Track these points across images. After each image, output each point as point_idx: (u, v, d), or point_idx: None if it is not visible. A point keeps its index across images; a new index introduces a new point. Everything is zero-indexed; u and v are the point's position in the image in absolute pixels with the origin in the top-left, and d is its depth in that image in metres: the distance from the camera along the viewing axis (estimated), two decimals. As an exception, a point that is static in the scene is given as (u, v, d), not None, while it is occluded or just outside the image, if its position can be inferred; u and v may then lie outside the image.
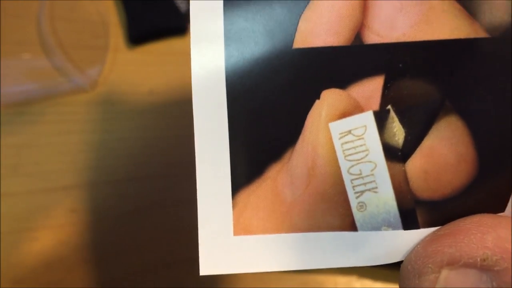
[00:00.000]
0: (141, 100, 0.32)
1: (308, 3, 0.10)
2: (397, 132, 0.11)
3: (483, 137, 0.11)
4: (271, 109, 0.11)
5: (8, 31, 0.31)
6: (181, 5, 0.36)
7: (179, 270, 0.28)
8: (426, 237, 0.11)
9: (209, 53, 0.10)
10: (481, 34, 0.10)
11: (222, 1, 0.10)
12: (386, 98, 0.11)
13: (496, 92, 0.10)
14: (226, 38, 0.10)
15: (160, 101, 0.32)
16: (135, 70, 0.33)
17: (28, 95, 0.30)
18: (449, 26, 0.10)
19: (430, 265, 0.10)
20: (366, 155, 0.11)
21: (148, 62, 0.34)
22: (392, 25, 0.10)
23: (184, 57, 0.35)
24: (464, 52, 0.10)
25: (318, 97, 0.11)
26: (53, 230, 0.27)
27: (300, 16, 0.10)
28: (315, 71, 0.11)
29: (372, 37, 0.10)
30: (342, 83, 0.11)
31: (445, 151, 0.11)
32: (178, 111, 0.32)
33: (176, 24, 0.36)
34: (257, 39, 0.11)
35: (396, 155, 0.11)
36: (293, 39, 0.10)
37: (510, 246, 0.10)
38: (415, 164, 0.11)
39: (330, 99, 0.11)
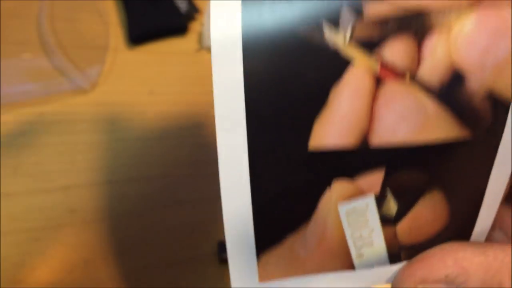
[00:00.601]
0: (141, 100, 0.32)
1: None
2: (392, 207, 0.14)
3: (458, 202, 0.14)
4: (290, 192, 0.13)
5: (8, 31, 0.31)
6: (181, 5, 0.36)
7: (179, 270, 0.28)
8: (404, 265, 0.15)
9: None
10: (467, 134, 0.13)
11: None
12: (385, 184, 0.14)
13: (475, 175, 0.14)
14: None
15: (160, 101, 0.32)
16: (135, 70, 0.33)
17: (28, 95, 0.30)
18: (441, 130, 0.13)
19: (408, 285, 0.14)
20: (366, 223, 0.14)
21: (148, 62, 0.34)
22: (395, 131, 0.13)
23: (184, 57, 0.35)
24: (453, 151, 0.13)
25: (330, 185, 0.13)
26: (53, 230, 0.27)
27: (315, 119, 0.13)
28: (327, 165, 0.13)
29: (377, 140, 0.13)
30: (350, 173, 0.13)
31: (426, 214, 0.14)
32: (178, 111, 0.32)
33: (176, 24, 0.36)
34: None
35: (389, 221, 0.14)
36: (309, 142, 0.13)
37: (466, 265, 0.13)
38: (402, 225, 0.14)
39: (339, 187, 0.13)
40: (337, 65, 0.12)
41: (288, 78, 0.12)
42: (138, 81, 0.33)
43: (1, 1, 0.32)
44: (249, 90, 0.12)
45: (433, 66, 0.12)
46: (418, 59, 0.12)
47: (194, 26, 0.37)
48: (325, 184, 0.13)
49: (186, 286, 0.27)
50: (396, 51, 0.12)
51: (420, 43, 0.12)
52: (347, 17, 0.11)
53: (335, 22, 0.11)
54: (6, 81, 0.29)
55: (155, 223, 0.28)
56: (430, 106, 0.12)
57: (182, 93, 0.33)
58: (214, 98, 0.12)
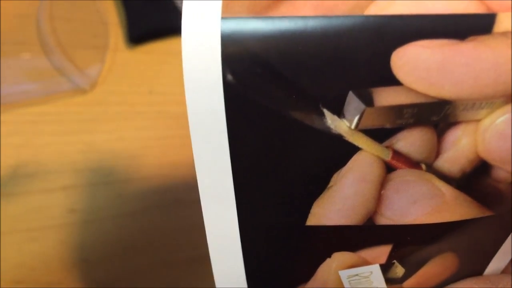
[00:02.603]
0: (141, 100, 0.32)
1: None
2: (398, 272, 0.12)
3: (468, 256, 0.13)
4: (286, 262, 0.12)
5: (8, 31, 0.31)
6: (181, 5, 0.36)
7: (179, 270, 0.28)
8: None
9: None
10: (489, 213, 0.11)
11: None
12: (392, 256, 0.12)
13: (493, 236, 0.12)
14: None
15: (160, 101, 0.32)
16: (135, 70, 0.33)
17: (28, 95, 0.30)
18: (460, 212, 0.11)
19: None
20: (371, 284, 0.13)
21: (148, 62, 0.34)
22: (404, 213, 0.11)
23: (184, 57, 0.35)
24: (470, 224, 0.11)
25: (329, 256, 0.12)
26: (53, 230, 0.27)
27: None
28: (326, 239, 0.12)
29: (384, 220, 0.11)
30: (352, 248, 0.12)
31: (435, 270, 0.12)
32: (178, 111, 0.32)
33: (176, 24, 0.36)
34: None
35: (395, 283, 0.13)
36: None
37: None
38: (410, 282, 0.13)
39: (340, 257, 0.12)
40: (340, 150, 0.10)
41: (282, 158, 0.10)
42: (138, 81, 0.33)
43: (1, 1, 0.32)
44: (237, 170, 0.10)
45: (454, 157, 0.10)
46: (437, 151, 0.10)
47: (194, 26, 0.37)
48: (324, 256, 0.12)
49: (186, 286, 0.27)
50: (411, 142, 0.10)
51: (440, 134, 0.10)
52: (354, 105, 0.10)
53: (338, 109, 0.10)
54: (6, 81, 0.29)
55: (155, 223, 0.28)
56: (449, 191, 0.11)
57: (182, 93, 0.33)
58: (197, 173, 0.11)
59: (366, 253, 0.12)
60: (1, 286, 0.25)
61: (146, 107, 0.32)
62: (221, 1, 0.09)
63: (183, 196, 0.29)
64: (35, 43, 0.31)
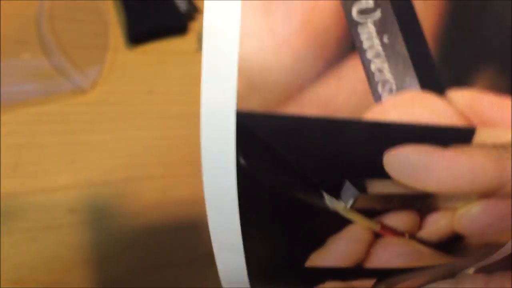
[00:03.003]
0: (141, 100, 0.32)
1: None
2: None
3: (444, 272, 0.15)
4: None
5: (8, 31, 0.31)
6: (181, 5, 0.36)
7: (179, 270, 0.28)
8: None
9: None
10: (459, 260, 0.13)
11: None
12: (378, 285, 0.14)
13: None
14: None
15: (160, 101, 0.32)
16: (135, 70, 0.33)
17: (28, 95, 0.30)
18: (438, 261, 0.13)
19: None
20: None
21: (148, 62, 0.34)
22: (390, 262, 0.13)
23: (184, 57, 0.35)
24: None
25: (323, 284, 0.14)
26: (53, 230, 0.27)
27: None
28: (321, 273, 0.13)
29: (371, 266, 0.13)
30: (343, 279, 0.13)
31: (423, 279, 0.14)
32: (178, 111, 0.32)
33: (176, 24, 0.36)
34: None
35: None
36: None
37: None
38: None
39: (332, 285, 0.13)
40: (336, 222, 0.12)
41: (288, 226, 0.12)
42: (138, 81, 0.33)
43: (1, 1, 0.32)
44: (246, 228, 0.12)
45: (434, 232, 0.12)
46: (419, 227, 0.12)
47: (194, 26, 0.37)
48: (318, 284, 0.14)
49: (186, 286, 0.27)
50: (397, 220, 0.12)
51: (423, 216, 0.12)
52: (349, 191, 0.11)
53: (335, 191, 0.12)
54: (6, 81, 0.29)
55: (154, 223, 0.28)
56: (427, 250, 0.13)
57: (182, 93, 0.33)
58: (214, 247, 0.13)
59: (355, 283, 0.14)
60: (1, 286, 0.25)
61: (146, 107, 0.32)
62: (235, 96, 0.10)
63: (183, 196, 0.29)
64: (35, 43, 0.31)
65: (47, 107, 0.30)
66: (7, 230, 0.26)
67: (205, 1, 0.10)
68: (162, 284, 0.27)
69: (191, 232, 0.28)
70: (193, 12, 0.36)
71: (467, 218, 0.12)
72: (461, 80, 0.10)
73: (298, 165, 0.11)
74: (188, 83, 0.33)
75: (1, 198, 0.27)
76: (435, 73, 0.10)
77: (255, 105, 0.11)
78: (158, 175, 0.30)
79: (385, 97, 0.10)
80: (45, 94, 0.30)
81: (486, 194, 0.11)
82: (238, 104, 0.11)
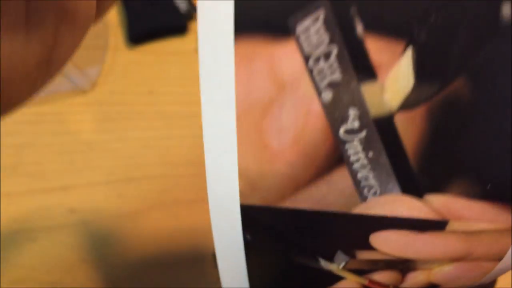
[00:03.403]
0: (141, 100, 0.32)
1: None
2: None
3: None
4: None
5: (8, 31, 0.31)
6: (181, 5, 0.36)
7: (179, 270, 0.28)
8: None
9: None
10: None
11: None
12: None
13: None
14: None
15: (160, 101, 0.32)
16: (135, 70, 0.33)
17: (28, 95, 0.30)
18: None
19: None
20: None
21: (148, 62, 0.34)
22: None
23: (184, 56, 0.35)
24: None
25: None
26: (53, 230, 0.27)
27: None
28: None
29: None
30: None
31: None
32: (178, 111, 0.32)
33: (176, 24, 0.36)
34: None
35: None
36: None
37: None
38: None
39: None
40: (330, 277, 0.14)
41: (289, 281, 0.15)
42: (138, 81, 0.33)
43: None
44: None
45: (413, 283, 0.15)
46: (401, 281, 0.15)
47: (194, 26, 0.37)
48: None
49: (186, 286, 0.27)
50: (382, 277, 0.14)
51: (404, 274, 0.14)
52: (341, 257, 0.14)
53: (330, 258, 0.14)
54: (6, 81, 0.29)
55: (154, 223, 0.28)
56: None
57: (182, 93, 0.33)
58: None
59: None
60: (1, 286, 0.25)
61: (146, 107, 0.32)
62: (238, 194, 0.12)
63: (183, 196, 0.29)
64: (35, 43, 0.31)
65: (47, 107, 0.30)
66: (7, 230, 0.26)
67: (203, 124, 0.12)
68: (162, 284, 0.27)
69: (191, 232, 0.28)
70: (193, 12, 0.36)
71: (441, 273, 0.14)
72: (438, 187, 0.12)
73: (296, 241, 0.14)
74: (188, 83, 0.33)
75: (1, 198, 0.27)
76: (414, 181, 0.12)
77: (256, 201, 0.13)
78: (158, 175, 0.30)
79: (370, 198, 0.12)
80: (45, 94, 0.30)
81: (456, 260, 0.14)
82: (241, 199, 0.13)
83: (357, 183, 0.12)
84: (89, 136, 0.30)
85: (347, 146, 0.12)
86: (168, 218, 0.29)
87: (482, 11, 0.10)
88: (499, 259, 0.14)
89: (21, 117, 0.29)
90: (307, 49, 0.11)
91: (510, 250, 0.13)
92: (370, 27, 0.11)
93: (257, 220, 0.13)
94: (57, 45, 0.12)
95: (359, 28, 0.11)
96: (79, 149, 0.29)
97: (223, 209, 0.13)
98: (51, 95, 0.31)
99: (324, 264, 0.14)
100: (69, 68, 0.31)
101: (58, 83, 0.31)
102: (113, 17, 0.35)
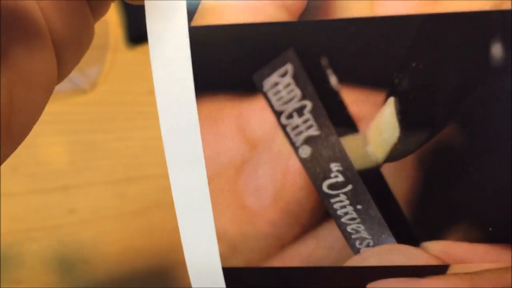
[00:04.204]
0: (141, 100, 0.32)
1: None
2: None
3: None
4: None
5: (8, 31, 0.31)
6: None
7: (179, 271, 0.28)
8: None
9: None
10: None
11: None
12: None
13: None
14: None
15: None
16: (135, 70, 0.33)
17: (28, 95, 0.30)
18: None
19: None
20: None
21: (148, 62, 0.34)
22: None
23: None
24: None
25: None
26: (53, 230, 0.27)
27: None
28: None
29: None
30: None
31: None
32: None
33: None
34: None
35: None
36: None
37: None
38: None
39: None
40: None
41: None
42: (138, 81, 0.33)
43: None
44: None
45: None
46: None
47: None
48: None
49: (186, 287, 0.27)
50: None
51: None
52: None
53: None
54: (6, 81, 0.29)
55: (154, 224, 0.28)
56: None
57: (182, 93, 0.33)
58: None
59: None
60: (1, 286, 0.25)
61: (146, 107, 0.32)
62: (219, 257, 0.12)
63: (183, 196, 0.29)
64: (35, 43, 0.31)
65: (47, 107, 0.30)
66: (7, 230, 0.26)
67: (172, 188, 0.12)
68: (162, 284, 0.27)
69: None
70: (193, 12, 0.36)
71: None
72: (435, 234, 0.11)
73: None
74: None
75: (1, 198, 0.27)
76: (409, 230, 0.11)
77: (239, 262, 0.12)
78: (158, 175, 0.30)
79: (364, 249, 0.12)
80: (45, 94, 0.30)
81: None
82: (222, 263, 0.12)
83: (347, 236, 0.12)
84: (89, 136, 0.30)
85: (332, 200, 0.11)
86: (168, 218, 0.28)
87: (470, 53, 0.10)
88: None
89: (21, 117, 0.29)
90: (277, 105, 0.10)
91: None
92: (345, 79, 0.10)
93: (242, 282, 0.12)
94: (15, 111, 0.11)
95: (333, 80, 0.10)
96: (79, 149, 0.29)
97: (204, 273, 0.12)
98: (52, 95, 0.30)
99: None
100: (69, 68, 0.31)
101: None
102: (113, 17, 0.35)
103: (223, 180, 0.11)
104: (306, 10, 0.10)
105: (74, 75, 0.31)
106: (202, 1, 0.10)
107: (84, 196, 0.28)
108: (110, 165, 0.29)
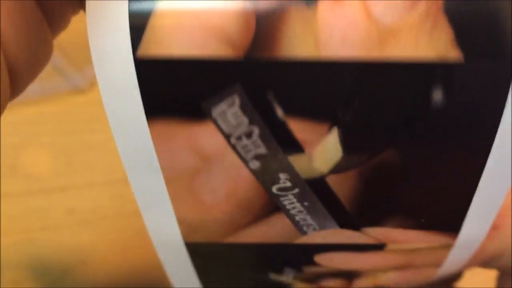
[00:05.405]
0: (141, 100, 0.32)
1: None
2: None
3: None
4: None
5: (7, 30, 0.31)
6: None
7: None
8: None
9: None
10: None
11: None
12: None
13: None
14: None
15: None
16: (134, 70, 0.33)
17: (27, 95, 0.30)
18: None
19: None
20: None
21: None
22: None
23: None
24: None
25: None
26: (52, 230, 0.27)
27: None
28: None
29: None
30: None
31: None
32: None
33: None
34: None
35: None
36: None
37: None
38: None
39: None
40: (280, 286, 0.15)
41: None
42: (138, 81, 0.33)
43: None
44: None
45: (360, 286, 0.16)
46: (348, 285, 0.16)
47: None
48: None
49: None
50: (330, 283, 0.15)
51: (350, 281, 0.15)
52: (289, 272, 0.15)
53: (279, 273, 0.15)
54: (5, 81, 0.29)
55: (154, 223, 0.28)
56: None
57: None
58: None
59: None
60: (1, 286, 0.25)
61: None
62: (180, 233, 0.13)
63: (182, 196, 0.29)
64: (34, 43, 0.31)
65: (46, 107, 0.30)
66: (7, 231, 0.26)
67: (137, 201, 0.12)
68: (162, 284, 0.27)
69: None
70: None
71: (386, 277, 0.15)
72: (374, 224, 0.13)
73: (245, 262, 0.15)
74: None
75: (1, 199, 0.27)
76: (351, 220, 0.13)
77: (199, 239, 0.13)
78: (157, 175, 0.30)
79: (311, 232, 0.13)
80: (44, 94, 0.30)
81: (398, 269, 0.15)
82: (184, 239, 0.13)
83: (296, 223, 0.13)
84: (89, 136, 0.30)
85: (281, 198, 0.12)
86: (168, 218, 0.28)
87: (411, 98, 0.10)
88: (439, 266, 0.14)
89: (20, 117, 0.29)
90: (226, 129, 0.11)
91: (447, 258, 0.14)
92: (291, 111, 0.10)
93: (203, 252, 0.14)
94: None
95: (279, 112, 0.10)
96: (78, 149, 0.29)
97: (169, 248, 0.14)
98: (50, 95, 0.30)
99: (274, 277, 0.15)
100: (69, 68, 0.31)
101: (56, 83, 0.31)
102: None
103: (180, 183, 0.12)
104: (252, 46, 0.10)
105: (74, 75, 0.31)
106: (146, 31, 0.10)
107: (83, 196, 0.28)
108: (109, 166, 0.29)
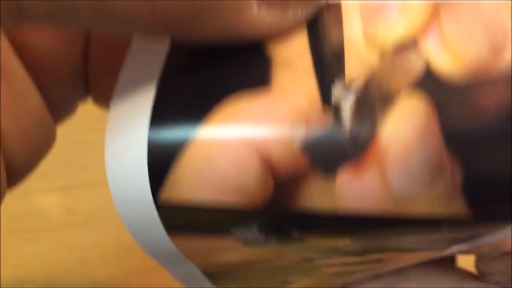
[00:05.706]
0: (141, 100, 0.32)
1: None
2: None
3: None
4: None
5: (8, 31, 0.31)
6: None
7: (179, 271, 0.27)
8: None
9: None
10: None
11: None
12: None
13: None
14: None
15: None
16: (134, 69, 0.33)
17: (27, 95, 0.30)
18: None
19: None
20: None
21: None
22: None
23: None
24: None
25: None
26: (52, 231, 0.27)
27: None
28: None
29: None
30: None
31: None
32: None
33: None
34: None
35: None
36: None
37: None
38: None
39: None
40: None
41: None
42: (138, 81, 0.33)
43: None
44: None
45: None
46: None
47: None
48: None
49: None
50: None
51: None
52: None
53: None
54: (5, 81, 0.29)
55: (154, 223, 0.28)
56: None
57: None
58: None
59: None
60: (1, 286, 0.25)
61: (145, 107, 0.32)
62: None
63: (183, 196, 0.29)
64: (34, 43, 0.31)
65: (47, 107, 0.30)
66: (7, 231, 0.26)
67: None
68: (162, 284, 0.27)
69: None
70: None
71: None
72: None
73: None
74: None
75: (1, 198, 0.27)
76: None
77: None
78: (157, 174, 0.30)
79: None
80: (44, 94, 0.30)
81: None
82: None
83: None
84: (89, 136, 0.30)
85: None
86: (168, 218, 0.28)
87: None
88: None
89: (20, 117, 0.29)
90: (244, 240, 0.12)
91: None
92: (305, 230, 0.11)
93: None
94: None
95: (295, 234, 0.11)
96: (78, 149, 0.29)
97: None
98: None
99: None
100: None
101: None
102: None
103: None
104: (272, 197, 0.10)
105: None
106: (168, 175, 0.10)
107: (83, 196, 0.28)
108: (109, 165, 0.29)
